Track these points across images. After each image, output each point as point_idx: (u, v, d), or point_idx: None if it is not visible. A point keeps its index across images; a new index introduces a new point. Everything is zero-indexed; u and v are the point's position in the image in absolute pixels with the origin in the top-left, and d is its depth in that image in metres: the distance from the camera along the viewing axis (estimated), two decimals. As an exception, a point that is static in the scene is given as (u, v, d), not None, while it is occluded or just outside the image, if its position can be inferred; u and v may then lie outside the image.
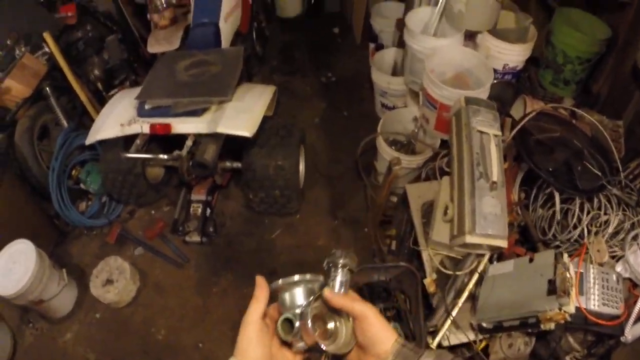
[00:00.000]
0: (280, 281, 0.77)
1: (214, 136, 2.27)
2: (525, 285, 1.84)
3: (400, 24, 3.05)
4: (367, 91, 3.36)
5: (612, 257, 1.88)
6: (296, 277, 0.77)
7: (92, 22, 3.06)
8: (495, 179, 1.82)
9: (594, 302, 1.72)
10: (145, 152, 2.36)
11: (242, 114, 2.26)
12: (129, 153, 2.25)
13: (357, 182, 2.86)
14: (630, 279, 1.81)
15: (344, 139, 3.14)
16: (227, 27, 2.61)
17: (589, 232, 1.89)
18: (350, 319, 0.78)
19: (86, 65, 2.84)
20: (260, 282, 0.76)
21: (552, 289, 1.70)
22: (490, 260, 1.97)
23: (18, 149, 2.59)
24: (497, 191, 1.84)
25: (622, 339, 1.72)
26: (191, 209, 2.60)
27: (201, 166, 2.25)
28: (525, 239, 2.08)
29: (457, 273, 1.98)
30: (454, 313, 1.94)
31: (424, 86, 2.29)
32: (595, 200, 1.93)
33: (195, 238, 2.54)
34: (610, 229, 1.88)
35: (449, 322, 1.95)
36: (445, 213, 1.97)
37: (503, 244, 1.80)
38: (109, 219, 2.75)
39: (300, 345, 0.76)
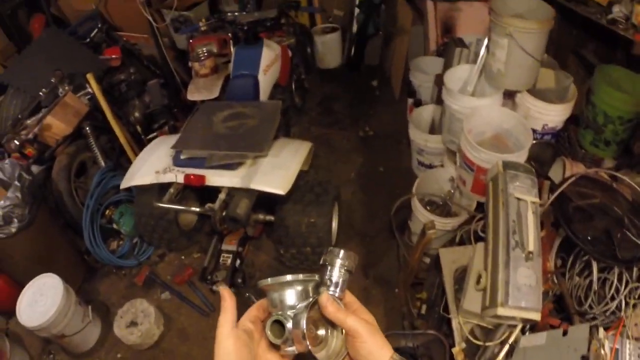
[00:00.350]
0: (269, 280, 0.73)
1: (248, 190, 2.37)
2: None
3: (439, 80, 3.15)
4: (404, 147, 3.47)
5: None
6: (288, 277, 0.73)
7: (136, 65, 3.27)
8: (531, 248, 1.85)
9: (630, 383, 1.69)
10: (179, 201, 2.49)
11: (277, 170, 2.37)
12: (161, 202, 2.37)
13: (391, 240, 2.92)
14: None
15: (379, 196, 3.23)
16: (266, 79, 2.77)
17: (627, 304, 1.87)
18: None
19: (127, 107, 3.05)
20: (225, 293, 0.74)
21: (586, 366, 1.69)
22: (523, 331, 1.97)
23: (55, 184, 2.77)
24: (533, 261, 1.86)
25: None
26: (221, 259, 2.71)
27: (233, 220, 2.35)
28: (561, 308, 2.07)
29: (488, 344, 1.98)
30: (484, 386, 1.93)
31: (461, 147, 2.35)
32: (635, 270, 1.91)
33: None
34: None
35: (478, 395, 1.94)
36: (478, 282, 2.00)
37: (537, 317, 1.82)
38: (138, 260, 2.89)
39: (290, 349, 0.72)
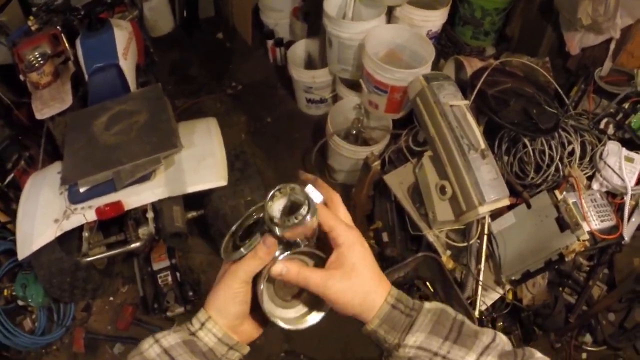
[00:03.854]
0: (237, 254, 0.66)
1: (172, 197, 2.13)
2: (535, 230, 2.11)
3: (301, 13, 3.06)
4: (281, 90, 3.43)
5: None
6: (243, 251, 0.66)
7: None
8: (483, 146, 2.02)
9: (594, 223, 2.05)
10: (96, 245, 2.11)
11: (203, 161, 2.18)
12: (86, 257, 2.06)
13: None
14: (607, 192, 2.15)
15: (281, 147, 3.17)
16: (128, 65, 2.42)
17: (563, 164, 2.17)
18: None
19: None
20: (272, 242, 0.65)
21: (564, 225, 1.96)
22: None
23: None
24: (488, 157, 2.02)
25: (623, 242, 2.06)
26: (160, 281, 2.44)
27: (176, 236, 2.08)
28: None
29: (470, 242, 2.16)
30: (481, 278, 2.12)
31: (369, 72, 2.37)
32: (556, 134, 2.22)
33: (179, 309, 2.43)
34: (577, 156, 2.19)
35: (480, 288, 2.13)
36: (443, 192, 2.10)
37: (508, 202, 2.03)
38: (65, 326, 2.42)
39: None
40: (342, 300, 0.65)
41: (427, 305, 0.67)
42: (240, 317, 0.68)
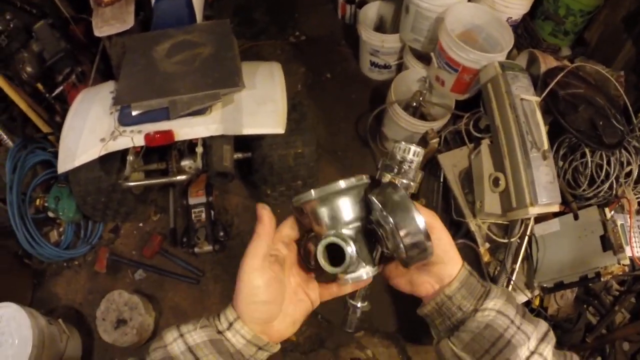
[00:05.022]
0: (313, 193, 0.59)
1: (224, 135, 2.11)
2: (577, 243, 2.09)
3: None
4: (345, 49, 3.37)
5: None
6: (342, 184, 0.59)
7: (9, 9, 2.44)
8: (546, 147, 1.98)
9: (637, 249, 2.00)
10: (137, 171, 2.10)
11: (263, 105, 2.14)
12: (128, 181, 2.04)
13: (363, 151, 2.90)
14: (657, 223, 2.11)
15: (336, 105, 3.12)
16: None
17: (618, 183, 2.12)
18: None
19: (14, 63, 2.29)
20: (264, 214, 0.64)
21: (607, 244, 1.93)
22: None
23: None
24: (549, 159, 1.98)
25: (663, 274, 2.04)
26: (193, 216, 2.44)
27: (222, 175, 2.05)
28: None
29: (512, 240, 2.13)
30: (514, 277, 2.11)
31: (443, 48, 2.31)
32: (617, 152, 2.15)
33: (207, 247, 2.44)
34: (634, 178, 2.13)
35: (511, 287, 2.12)
36: (496, 184, 2.07)
37: (557, 208, 2.00)
38: (91, 244, 2.45)
39: (351, 276, 0.62)
40: (447, 242, 0.66)
41: (497, 287, 0.68)
42: (271, 319, 0.65)
